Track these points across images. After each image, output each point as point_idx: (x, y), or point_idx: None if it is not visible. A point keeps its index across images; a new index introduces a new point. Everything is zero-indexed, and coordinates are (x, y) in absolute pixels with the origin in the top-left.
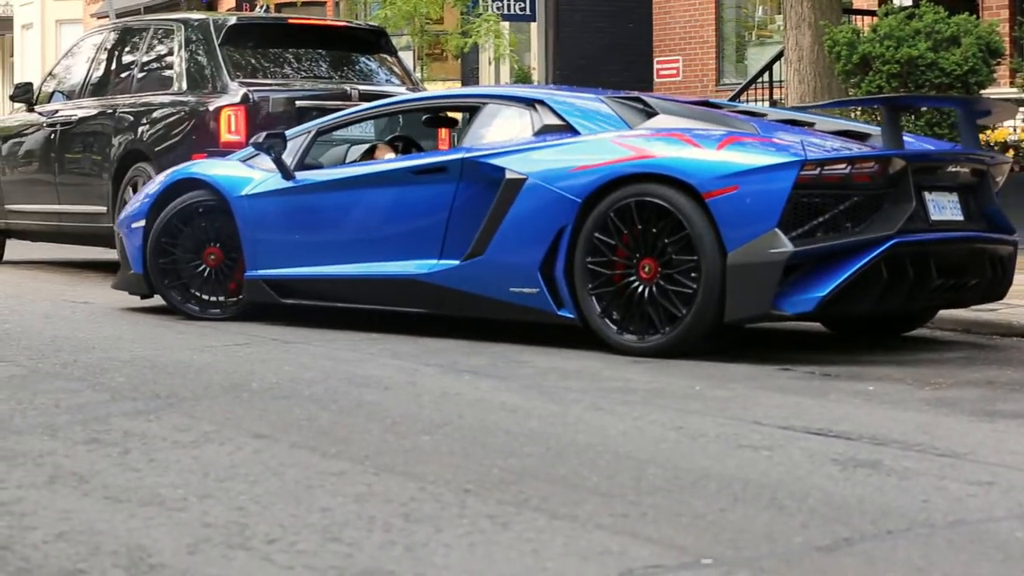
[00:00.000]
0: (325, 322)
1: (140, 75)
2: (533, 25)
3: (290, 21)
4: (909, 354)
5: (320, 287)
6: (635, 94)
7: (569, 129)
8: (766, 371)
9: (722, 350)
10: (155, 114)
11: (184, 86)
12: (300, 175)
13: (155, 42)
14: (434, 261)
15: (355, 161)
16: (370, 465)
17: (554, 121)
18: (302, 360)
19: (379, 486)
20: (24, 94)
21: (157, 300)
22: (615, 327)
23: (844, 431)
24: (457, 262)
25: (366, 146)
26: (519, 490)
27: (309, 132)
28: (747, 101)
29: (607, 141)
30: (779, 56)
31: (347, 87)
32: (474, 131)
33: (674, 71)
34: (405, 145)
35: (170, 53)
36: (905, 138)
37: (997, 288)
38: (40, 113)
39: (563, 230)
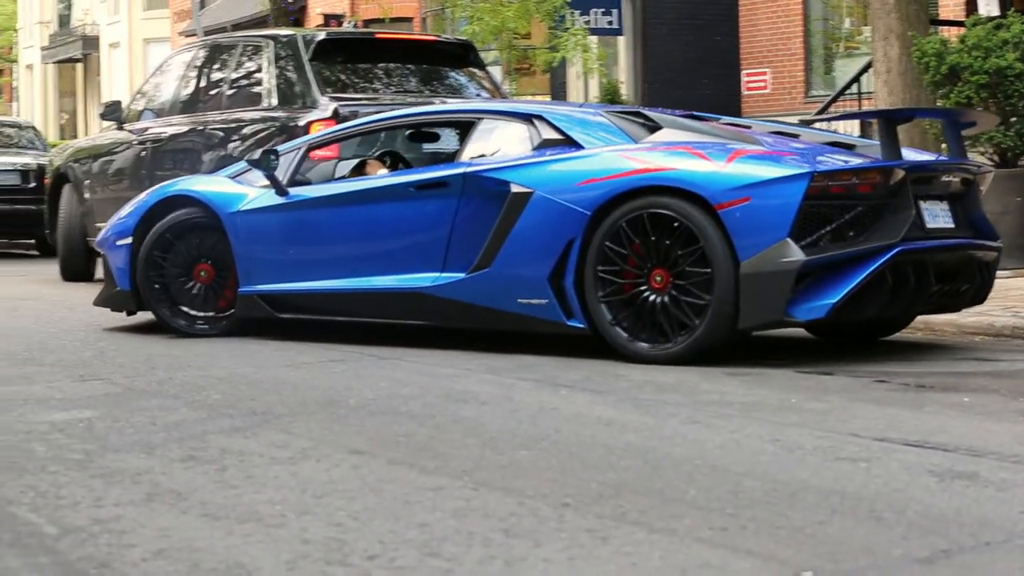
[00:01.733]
0: (419, 338)
1: (230, 92)
2: (621, 39)
3: (378, 36)
4: (1004, 364)
5: (318, 301)
6: (636, 108)
7: (570, 143)
8: (861, 383)
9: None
10: (245, 130)
11: (274, 102)
12: (293, 191)
13: (244, 59)
14: (436, 274)
15: (345, 177)
16: (468, 480)
17: (553, 136)
18: (398, 376)
19: (477, 501)
20: (114, 112)
21: (146, 315)
22: (626, 335)
23: (941, 443)
24: (462, 275)
25: (355, 162)
26: (617, 504)
27: (299, 148)
28: (836, 112)
29: (615, 155)
30: (867, 68)
31: (436, 101)
32: (472, 146)
33: (762, 83)
34: (393, 160)
35: (259, 69)
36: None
37: (982, 293)
38: (130, 131)
39: (572, 242)
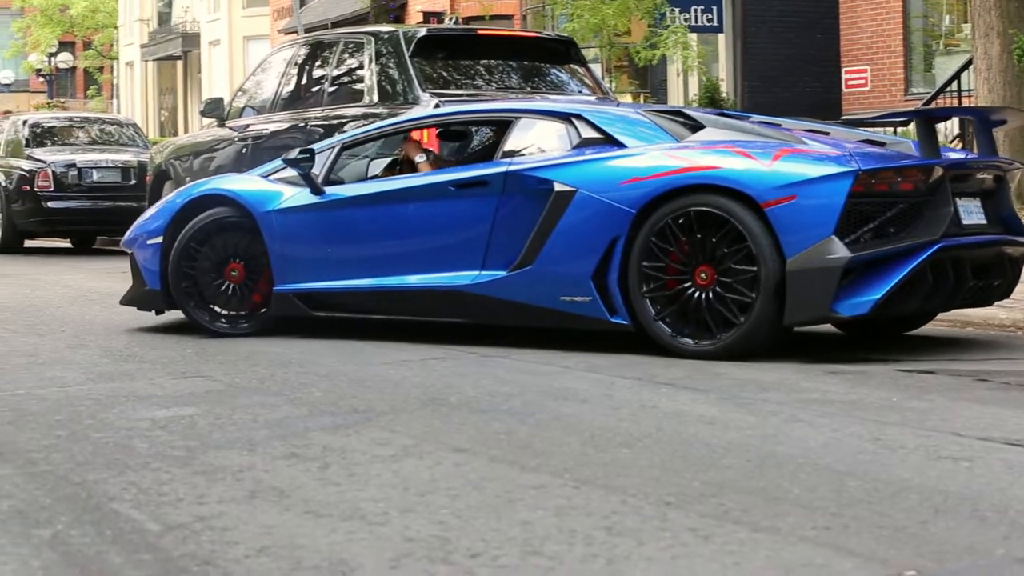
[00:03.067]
0: (520, 336)
1: (331, 88)
2: (721, 36)
3: (479, 32)
4: None
5: (355, 299)
6: (677, 108)
7: (611, 142)
8: (963, 382)
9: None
10: (346, 127)
11: (375, 98)
12: (329, 190)
13: (345, 55)
14: (476, 272)
15: (378, 176)
16: (570, 478)
17: (593, 135)
18: (499, 374)
19: (579, 499)
20: (215, 109)
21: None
22: (670, 330)
23: None
24: (504, 272)
25: (388, 160)
26: (719, 503)
27: (334, 148)
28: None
29: (659, 153)
30: (967, 65)
31: (538, 98)
32: (510, 145)
33: (862, 81)
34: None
35: (361, 66)
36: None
37: (1010, 288)
38: (231, 128)
39: (616, 240)
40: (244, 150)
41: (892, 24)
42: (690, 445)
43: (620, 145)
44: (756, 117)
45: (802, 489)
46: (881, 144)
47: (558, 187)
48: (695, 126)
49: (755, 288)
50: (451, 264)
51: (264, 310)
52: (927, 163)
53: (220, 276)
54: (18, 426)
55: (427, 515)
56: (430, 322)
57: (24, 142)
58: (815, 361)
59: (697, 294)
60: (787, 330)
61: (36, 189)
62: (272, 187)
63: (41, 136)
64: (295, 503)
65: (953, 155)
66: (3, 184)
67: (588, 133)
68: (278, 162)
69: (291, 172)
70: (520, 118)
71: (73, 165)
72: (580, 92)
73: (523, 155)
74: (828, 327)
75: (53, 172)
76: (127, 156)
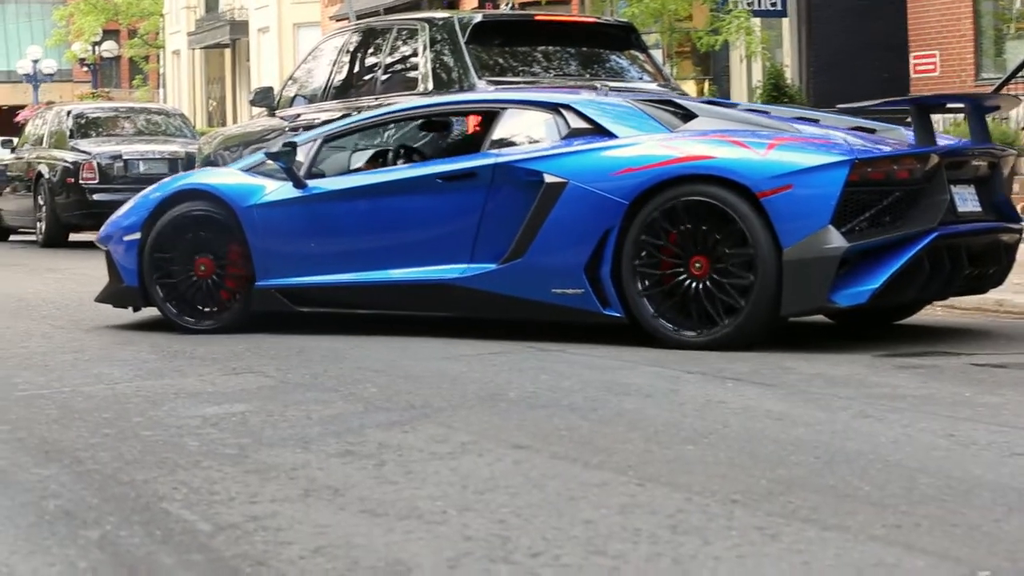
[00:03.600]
0: (579, 331)
1: (384, 77)
2: (785, 21)
3: (536, 18)
4: None
5: (339, 294)
6: (667, 97)
7: (601, 132)
8: None
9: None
10: None
11: (430, 87)
12: (312, 183)
13: (399, 43)
14: (465, 265)
15: (361, 168)
16: (633, 475)
17: (582, 125)
18: (559, 368)
19: (643, 497)
20: (265, 99)
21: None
22: (668, 323)
23: None
24: (493, 265)
25: (371, 152)
26: (788, 500)
27: (316, 140)
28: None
29: (651, 144)
30: None
31: (597, 84)
32: (497, 136)
33: (931, 66)
34: (407, 153)
35: (414, 54)
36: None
37: (1003, 275)
38: (282, 118)
39: (609, 231)
40: None
41: (962, 7)
42: (757, 441)
43: (611, 135)
44: (744, 105)
45: (872, 487)
46: (872, 131)
47: (548, 178)
48: (687, 115)
49: (752, 276)
50: (439, 257)
51: (231, 306)
52: (923, 151)
53: (191, 271)
54: (64, 424)
55: (486, 514)
56: (480, 318)
57: (68, 133)
58: (885, 355)
59: (693, 285)
60: (785, 320)
61: (81, 181)
62: (253, 181)
63: (85, 127)
64: (350, 502)
65: (947, 142)
66: (47, 176)
67: (577, 123)
68: (260, 155)
69: (271, 165)
70: (507, 108)
71: (119, 156)
72: (641, 79)
73: (511, 146)
74: (817, 317)
75: (98, 164)
76: (174, 147)
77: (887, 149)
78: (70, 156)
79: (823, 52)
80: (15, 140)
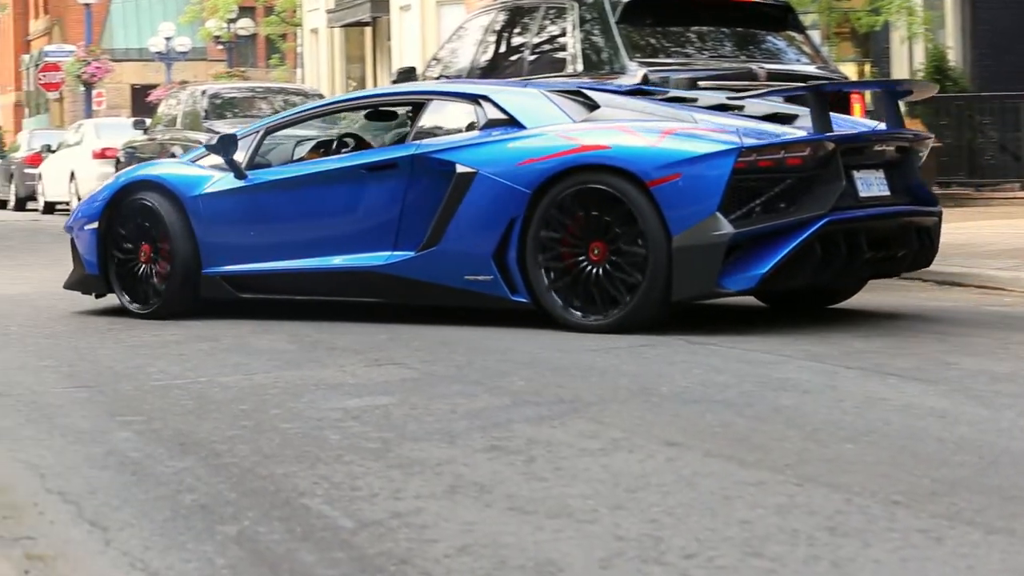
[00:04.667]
0: (733, 322)
1: (531, 57)
2: (948, 1)
3: None
4: None
5: (277, 281)
6: (575, 86)
7: (514, 123)
8: None
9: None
10: None
11: (579, 68)
12: (252, 174)
13: (547, 22)
14: (388, 253)
15: (301, 159)
16: (791, 475)
17: (499, 116)
18: (712, 362)
19: (801, 497)
20: (407, 79)
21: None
22: (567, 306)
23: None
24: (412, 253)
25: (312, 142)
26: (951, 502)
27: (258, 132)
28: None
29: (553, 134)
30: None
31: (753, 66)
32: (421, 127)
33: None
34: (358, 142)
35: (563, 33)
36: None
37: (925, 257)
38: None
39: (515, 220)
40: None
41: None
42: (919, 440)
43: (520, 126)
44: (672, 93)
45: None
46: (793, 117)
47: (460, 168)
48: (592, 105)
49: (643, 264)
50: (365, 245)
51: (163, 293)
52: (812, 138)
53: (136, 259)
54: (200, 415)
55: (638, 513)
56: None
57: (203, 114)
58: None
59: (591, 270)
60: (678, 305)
61: None
62: (200, 172)
63: (221, 108)
64: (498, 499)
65: (848, 129)
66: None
67: (494, 114)
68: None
69: (217, 158)
70: (432, 100)
71: None
72: (798, 61)
73: (432, 137)
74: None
75: None
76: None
77: (781, 137)
78: (205, 138)
79: (987, 34)
80: (147, 121)
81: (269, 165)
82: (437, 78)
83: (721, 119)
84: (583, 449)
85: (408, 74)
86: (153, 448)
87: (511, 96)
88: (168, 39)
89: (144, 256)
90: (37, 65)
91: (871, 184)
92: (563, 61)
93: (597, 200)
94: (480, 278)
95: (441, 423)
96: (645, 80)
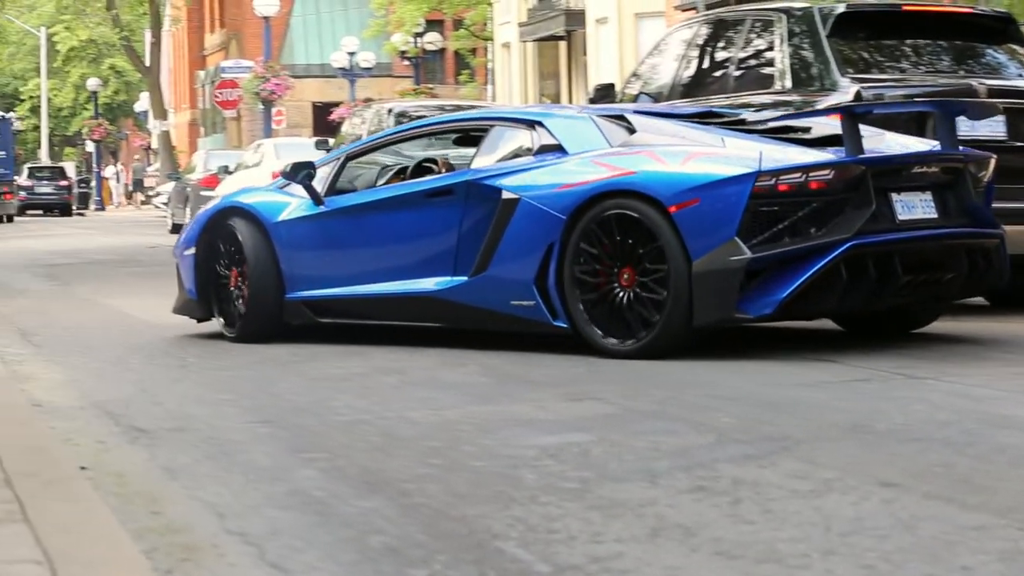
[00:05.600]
0: (953, 355)
1: (737, 73)
2: None
3: (904, 8)
4: None
5: (351, 306)
6: (619, 111)
7: (560, 149)
8: None
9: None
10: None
11: (787, 84)
12: (329, 200)
13: (753, 36)
14: (448, 278)
15: (377, 185)
16: (1015, 519)
17: (550, 141)
18: (932, 398)
19: None
20: (605, 96)
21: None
22: (600, 332)
23: None
24: (466, 278)
25: (395, 168)
26: None
27: (339, 159)
28: None
29: (588, 160)
30: None
31: (972, 82)
32: (482, 153)
33: None
34: (421, 168)
35: (770, 48)
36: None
37: (983, 281)
38: None
39: (552, 245)
40: None
41: None
42: None
43: (564, 152)
44: (733, 115)
45: None
46: (834, 140)
47: (505, 195)
48: (631, 129)
49: (666, 287)
50: (428, 270)
51: (244, 316)
52: (837, 162)
53: (228, 283)
54: (388, 453)
55: (852, 558)
56: (849, 340)
57: None
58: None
59: (621, 295)
60: (701, 331)
61: None
62: (284, 199)
63: None
64: (703, 543)
65: (886, 151)
66: None
67: (546, 139)
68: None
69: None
70: (494, 126)
71: None
72: (1020, 76)
73: (489, 163)
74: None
75: None
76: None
77: (803, 161)
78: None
79: None
80: (330, 140)
81: (353, 191)
82: (636, 96)
83: (750, 142)
84: (793, 490)
85: (606, 91)
86: (338, 487)
87: (560, 121)
88: (351, 54)
89: (233, 281)
90: (213, 82)
91: (913, 207)
92: (770, 77)
93: (625, 225)
94: (524, 303)
95: (642, 462)
96: (858, 97)
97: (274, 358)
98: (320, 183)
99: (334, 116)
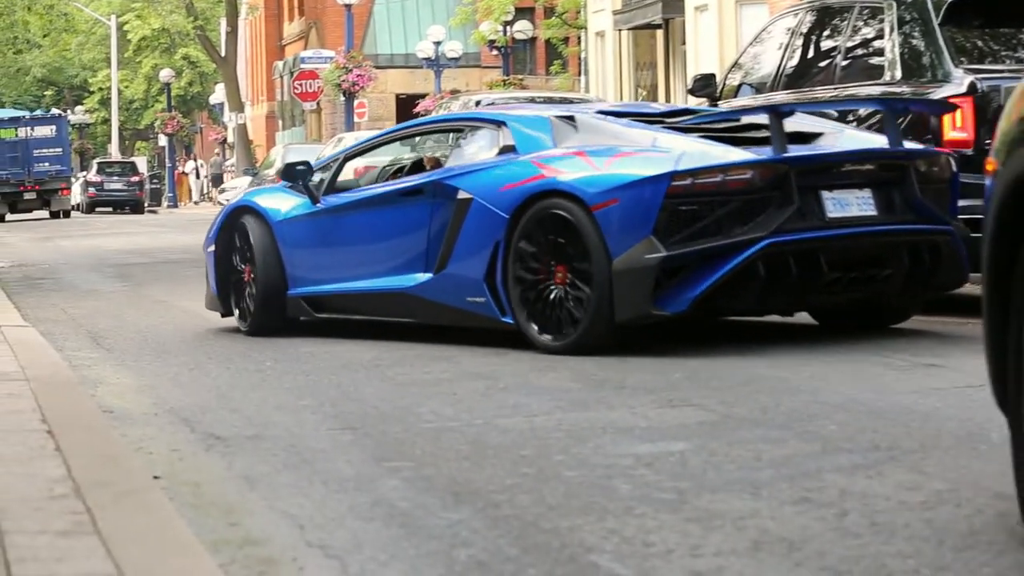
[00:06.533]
0: None
1: (843, 63)
2: None
3: None
4: None
5: (342, 301)
6: (571, 112)
7: (514, 149)
8: None
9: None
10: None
11: (897, 75)
12: (325, 199)
13: (860, 23)
14: (420, 275)
15: (386, 181)
16: None
17: (509, 142)
18: None
19: None
20: (706, 87)
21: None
22: (537, 328)
23: None
24: (431, 275)
25: (393, 168)
26: None
27: (338, 159)
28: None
29: (527, 161)
30: None
31: None
32: (454, 153)
33: None
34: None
35: (879, 36)
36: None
37: (934, 277)
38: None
39: (499, 244)
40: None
41: None
42: None
43: (517, 152)
44: (681, 108)
45: None
46: (815, 136)
47: (461, 195)
48: (575, 129)
49: (591, 287)
50: (404, 267)
51: (253, 311)
52: (756, 161)
53: (243, 279)
54: (477, 462)
55: (966, 574)
56: (959, 345)
57: None
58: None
59: (555, 293)
60: (625, 328)
61: None
62: (288, 197)
63: None
64: (807, 557)
65: (812, 150)
66: None
67: (506, 140)
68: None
69: (317, 179)
70: (469, 127)
71: None
72: None
73: (457, 163)
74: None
75: None
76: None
77: (723, 160)
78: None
79: None
80: None
81: (347, 190)
82: (738, 86)
83: (678, 142)
84: (902, 502)
85: (706, 82)
86: (424, 498)
87: (518, 122)
88: (437, 44)
89: (247, 276)
90: (292, 73)
91: (848, 204)
92: (879, 68)
93: (558, 225)
94: (477, 300)
95: (743, 472)
96: (972, 88)
97: (357, 362)
98: (321, 183)
99: (419, 109)
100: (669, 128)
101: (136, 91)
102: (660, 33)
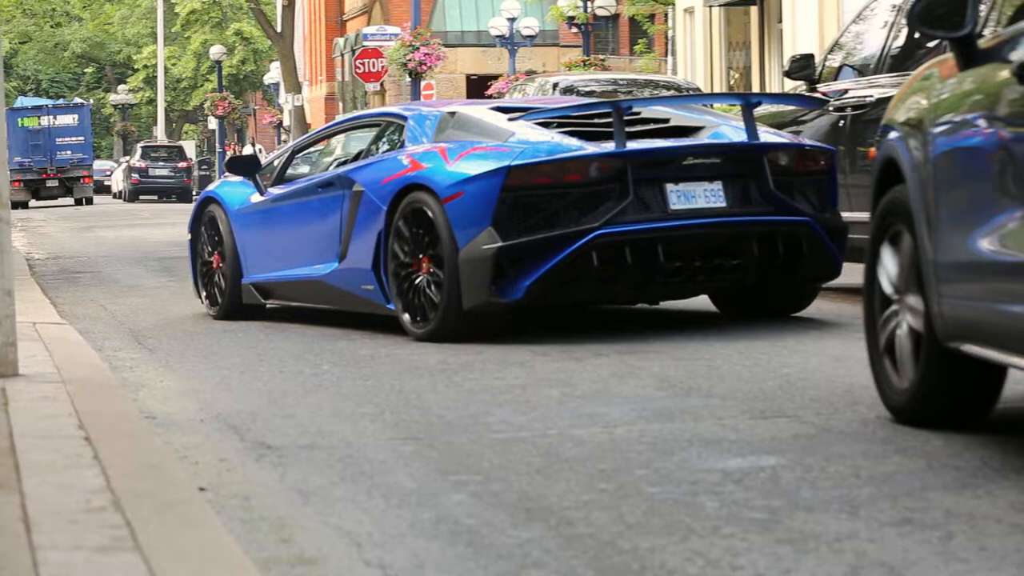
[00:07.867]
0: None
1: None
2: None
3: None
4: None
5: (281, 289)
6: (454, 109)
7: (404, 144)
8: None
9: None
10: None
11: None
12: (269, 191)
13: None
14: (331, 264)
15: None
16: None
17: (404, 137)
18: None
19: None
20: (804, 69)
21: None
22: (408, 316)
23: None
24: (337, 264)
25: (318, 162)
26: None
27: (287, 151)
28: None
29: (400, 156)
30: None
31: None
32: (368, 149)
33: None
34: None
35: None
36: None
37: (794, 266)
38: (824, 93)
39: (380, 234)
40: (841, 122)
41: None
42: None
43: (404, 147)
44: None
45: None
46: (696, 129)
47: (355, 187)
48: (452, 123)
49: (443, 274)
50: (322, 256)
51: (221, 299)
52: (591, 155)
53: (212, 267)
54: (550, 476)
55: None
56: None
57: None
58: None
59: (420, 281)
60: (475, 315)
61: None
62: (245, 189)
63: None
64: None
65: (657, 144)
66: None
67: (403, 135)
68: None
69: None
70: (384, 123)
71: None
72: None
73: (366, 158)
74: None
75: None
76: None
77: (558, 154)
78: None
79: None
80: None
81: (291, 183)
82: (839, 68)
83: (530, 136)
84: (1014, 525)
85: (804, 63)
86: (492, 514)
87: (412, 119)
88: (512, 20)
89: (215, 264)
90: (354, 51)
91: (694, 196)
92: None
93: (420, 217)
94: (368, 287)
95: (841, 490)
96: None
97: (421, 366)
98: (271, 175)
99: (492, 91)
100: (536, 124)
101: (184, 69)
102: (754, 10)
